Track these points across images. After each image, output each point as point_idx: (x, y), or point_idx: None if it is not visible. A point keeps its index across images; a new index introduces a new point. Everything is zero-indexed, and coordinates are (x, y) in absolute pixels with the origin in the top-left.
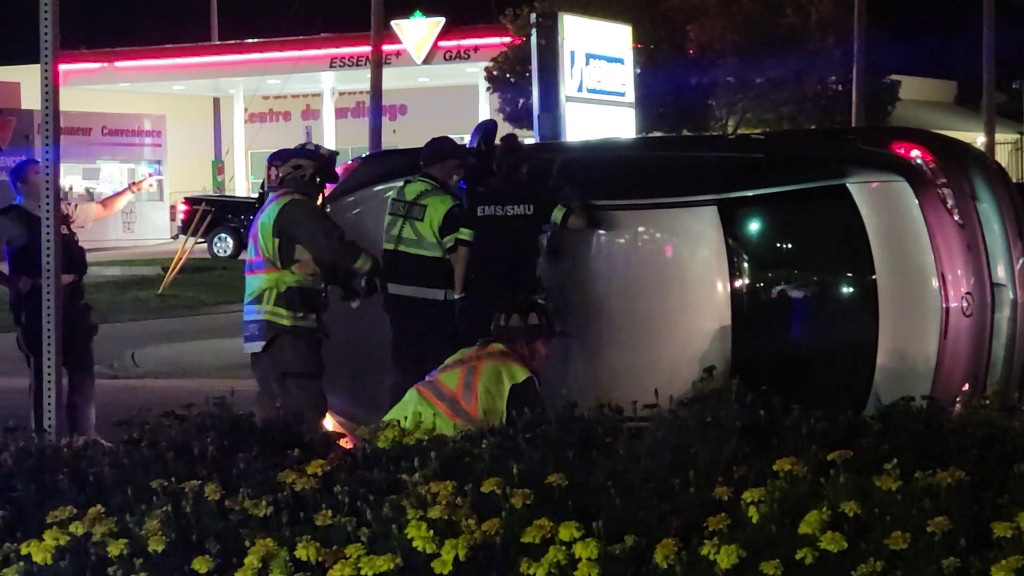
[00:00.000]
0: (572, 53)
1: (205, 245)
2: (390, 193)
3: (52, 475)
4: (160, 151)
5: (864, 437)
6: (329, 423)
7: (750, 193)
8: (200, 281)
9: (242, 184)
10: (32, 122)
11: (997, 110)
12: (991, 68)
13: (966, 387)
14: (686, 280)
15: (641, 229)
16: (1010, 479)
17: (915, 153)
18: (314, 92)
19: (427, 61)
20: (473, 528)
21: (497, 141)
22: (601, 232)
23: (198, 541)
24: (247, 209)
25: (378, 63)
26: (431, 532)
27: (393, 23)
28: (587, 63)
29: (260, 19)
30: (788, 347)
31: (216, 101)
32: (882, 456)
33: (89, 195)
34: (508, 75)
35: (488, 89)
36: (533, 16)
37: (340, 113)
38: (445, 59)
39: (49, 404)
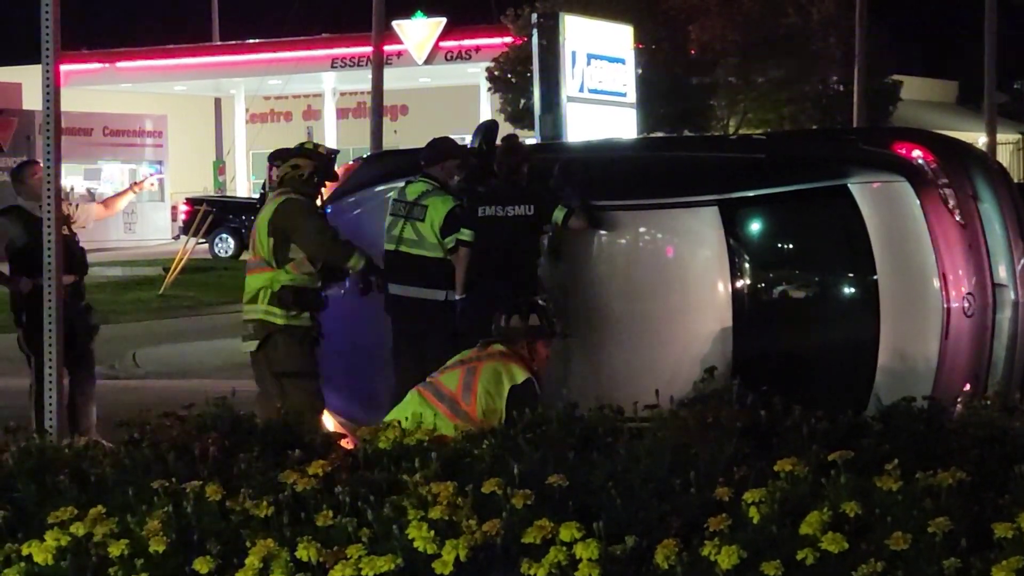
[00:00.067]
0: (573, 53)
1: (206, 245)
2: (391, 194)
3: (53, 475)
4: (161, 151)
5: (865, 437)
6: (330, 423)
7: (751, 193)
8: (201, 281)
9: (243, 184)
10: (33, 123)
11: (998, 110)
12: (992, 68)
13: (967, 387)
14: (687, 280)
15: (642, 229)
16: (1011, 479)
17: (916, 153)
18: (315, 92)
19: (428, 61)
20: (474, 528)
21: (498, 141)
22: (602, 232)
23: (199, 541)
24: (248, 209)
25: (379, 63)
26: (432, 532)
27: (394, 23)
28: (588, 63)
29: (261, 19)
30: (789, 347)
31: (217, 101)
32: (883, 456)
33: (90, 195)
34: (509, 75)
35: (489, 89)
36: (534, 16)
37: (341, 113)
38: (446, 59)
39: (50, 404)
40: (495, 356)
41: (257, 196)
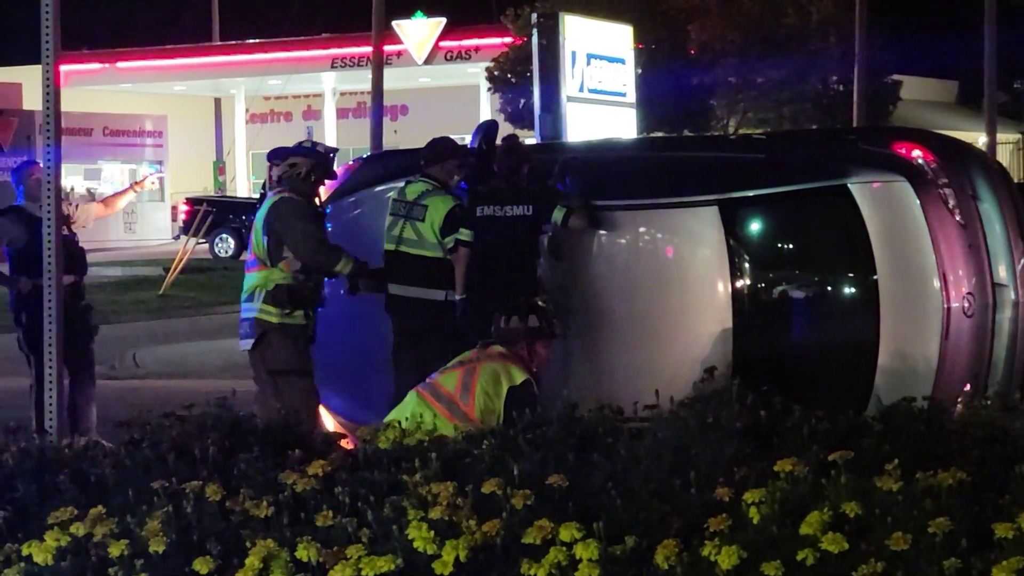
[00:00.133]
0: (573, 53)
1: (206, 245)
2: (391, 193)
3: (53, 476)
4: (161, 151)
5: (865, 438)
6: (330, 423)
7: (751, 193)
8: (201, 282)
9: (243, 184)
10: (34, 123)
11: (999, 110)
12: (992, 68)
13: (967, 387)
14: (687, 280)
15: (642, 229)
16: (1011, 480)
17: (916, 153)
18: (315, 92)
19: (428, 61)
20: (474, 529)
21: (498, 141)
22: (602, 232)
23: (199, 542)
24: (248, 209)
25: (379, 63)
26: (432, 533)
27: (394, 23)
28: (588, 63)
29: (261, 19)
30: (789, 348)
31: (217, 101)
32: (883, 457)
33: (90, 195)
34: (509, 75)
35: (489, 89)
36: (534, 16)
37: (341, 113)
38: (446, 59)
39: (50, 405)
40: (494, 357)
41: (257, 196)
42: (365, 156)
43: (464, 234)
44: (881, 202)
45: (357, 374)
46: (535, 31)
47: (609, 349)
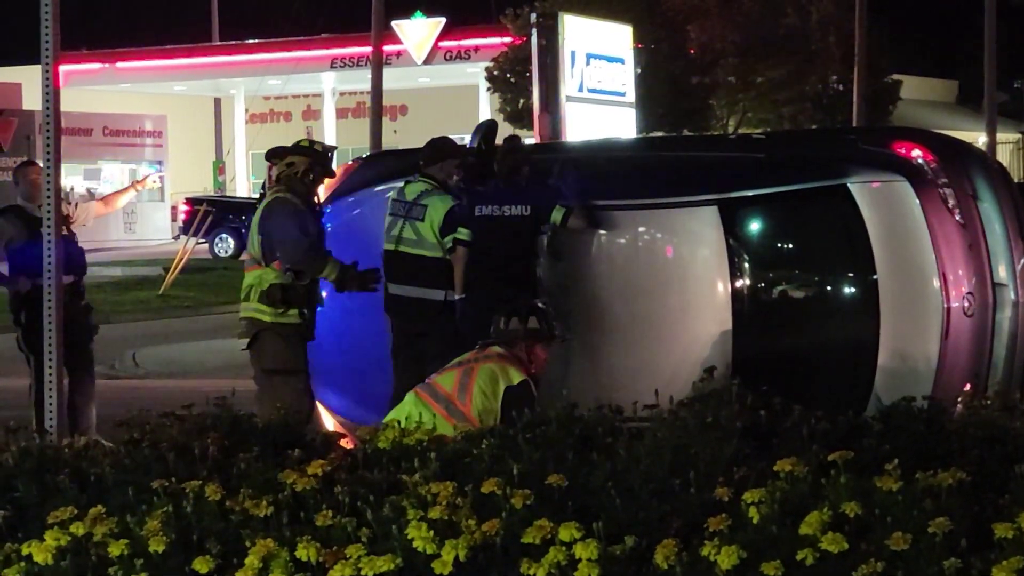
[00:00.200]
0: (572, 53)
1: (206, 245)
2: (390, 193)
3: (53, 475)
4: (161, 151)
5: (865, 438)
6: (330, 423)
7: (751, 193)
8: (201, 281)
9: (243, 184)
10: (33, 123)
11: (999, 110)
12: (992, 67)
13: (967, 387)
14: (687, 280)
15: (641, 229)
16: (1011, 479)
17: (916, 153)
18: (315, 92)
19: (428, 61)
20: (473, 528)
21: (498, 142)
22: (601, 232)
23: (199, 541)
24: (248, 209)
25: (379, 63)
26: (431, 532)
27: (394, 23)
28: (587, 63)
29: (261, 19)
30: (789, 347)
31: (217, 101)
32: (883, 457)
33: (90, 195)
34: (508, 75)
35: (488, 89)
36: (533, 16)
37: (341, 113)
38: (445, 59)
39: (50, 404)
40: (492, 358)
41: (257, 196)
42: (364, 156)
43: (463, 233)
44: (881, 202)
45: (357, 374)
46: (534, 31)
47: (609, 349)
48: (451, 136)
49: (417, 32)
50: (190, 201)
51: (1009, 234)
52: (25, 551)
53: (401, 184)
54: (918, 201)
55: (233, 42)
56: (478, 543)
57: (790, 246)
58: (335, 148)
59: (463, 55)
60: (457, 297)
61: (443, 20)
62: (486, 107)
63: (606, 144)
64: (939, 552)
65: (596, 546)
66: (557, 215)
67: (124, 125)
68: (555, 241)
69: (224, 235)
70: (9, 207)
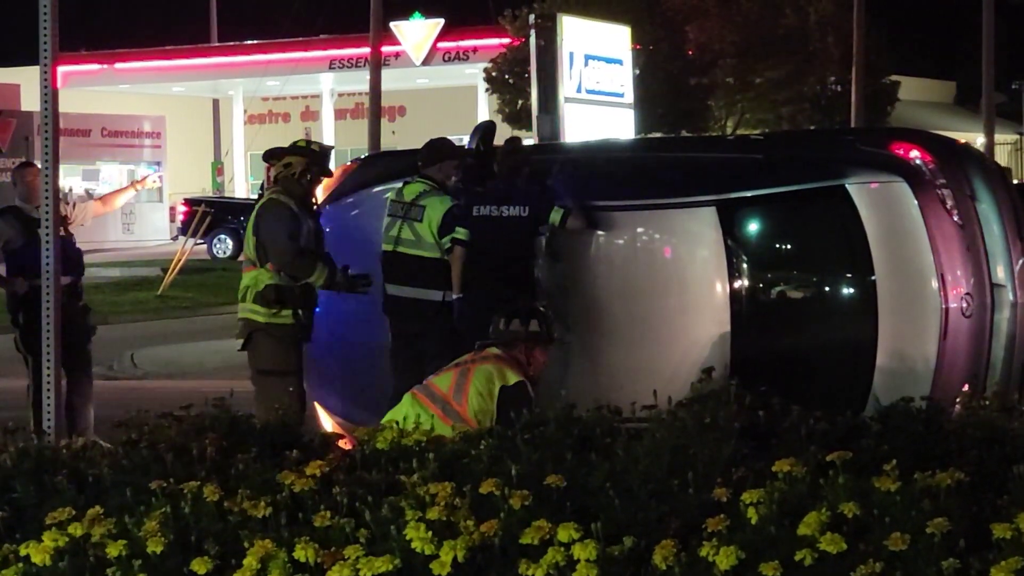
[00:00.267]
0: (571, 54)
1: (204, 246)
2: (389, 194)
3: (51, 476)
4: (159, 152)
5: (863, 438)
6: (328, 424)
7: (749, 194)
8: (199, 282)
9: (241, 185)
10: (32, 124)
11: (996, 111)
12: (990, 69)
13: (965, 388)
14: (685, 281)
15: (640, 230)
16: (1010, 480)
17: (914, 154)
18: (313, 93)
19: (426, 62)
20: (472, 529)
21: (497, 143)
22: (600, 233)
23: (197, 542)
24: (246, 210)
25: (377, 64)
26: (430, 533)
27: (392, 24)
28: (586, 64)
29: (259, 20)
30: (787, 348)
31: (215, 102)
32: (881, 457)
33: (88, 196)
34: (507, 76)
35: (487, 90)
36: (532, 17)
37: (339, 114)
38: (444, 60)
39: (48, 405)
40: (489, 359)
41: (255, 197)
42: (363, 157)
43: (461, 233)
44: (879, 203)
45: (355, 374)
46: (533, 32)
47: (607, 350)
48: (449, 137)
49: (415, 33)
50: (188, 202)
51: (1007, 235)
52: (23, 552)
53: (399, 185)
54: (916, 202)
55: (232, 43)
56: (476, 544)
57: (788, 247)
58: (332, 147)
59: (462, 56)
60: (455, 296)
61: (441, 21)
62: (484, 108)
63: (605, 145)
64: (937, 552)
65: (595, 547)
66: (556, 216)
67: (122, 126)
68: (554, 242)
69: (222, 236)
70: (7, 208)
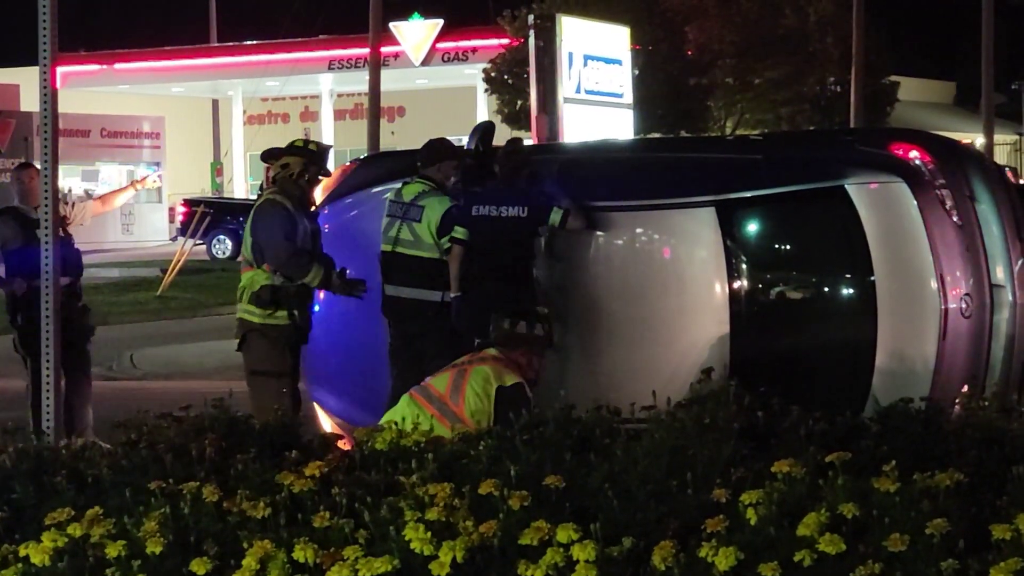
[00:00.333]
0: (570, 54)
1: (204, 247)
2: (388, 195)
3: (50, 477)
4: (159, 153)
5: (863, 439)
6: (327, 424)
7: (748, 194)
8: (199, 283)
9: (241, 186)
10: (31, 124)
11: (996, 111)
12: (990, 69)
13: (965, 388)
14: (684, 282)
15: (639, 231)
16: (1009, 481)
17: (913, 154)
18: (312, 94)
19: (425, 63)
20: (471, 530)
21: (495, 143)
22: (599, 234)
23: (196, 543)
24: (245, 211)
25: (376, 65)
26: (429, 534)
27: (391, 25)
28: (585, 64)
29: (259, 21)
30: (786, 349)
31: (215, 103)
32: (881, 458)
33: (87, 197)
34: (506, 77)
35: (486, 91)
36: (531, 18)
37: (338, 115)
38: (443, 61)
39: (47, 406)
40: (487, 360)
41: (255, 197)
42: (362, 157)
43: (459, 232)
44: (878, 203)
45: (354, 375)
46: (532, 32)
47: (606, 350)
48: (449, 137)
49: (415, 33)
50: (188, 202)
51: (1007, 235)
52: (22, 552)
53: (399, 185)
54: (915, 202)
55: (231, 43)
56: (475, 544)
57: (788, 247)
58: (330, 146)
59: (461, 56)
60: (452, 295)
61: (441, 21)
62: (484, 108)
63: (604, 145)
64: (937, 553)
65: (594, 547)
66: (556, 216)
67: (122, 126)
68: (553, 242)
69: (222, 236)
70: (6, 209)
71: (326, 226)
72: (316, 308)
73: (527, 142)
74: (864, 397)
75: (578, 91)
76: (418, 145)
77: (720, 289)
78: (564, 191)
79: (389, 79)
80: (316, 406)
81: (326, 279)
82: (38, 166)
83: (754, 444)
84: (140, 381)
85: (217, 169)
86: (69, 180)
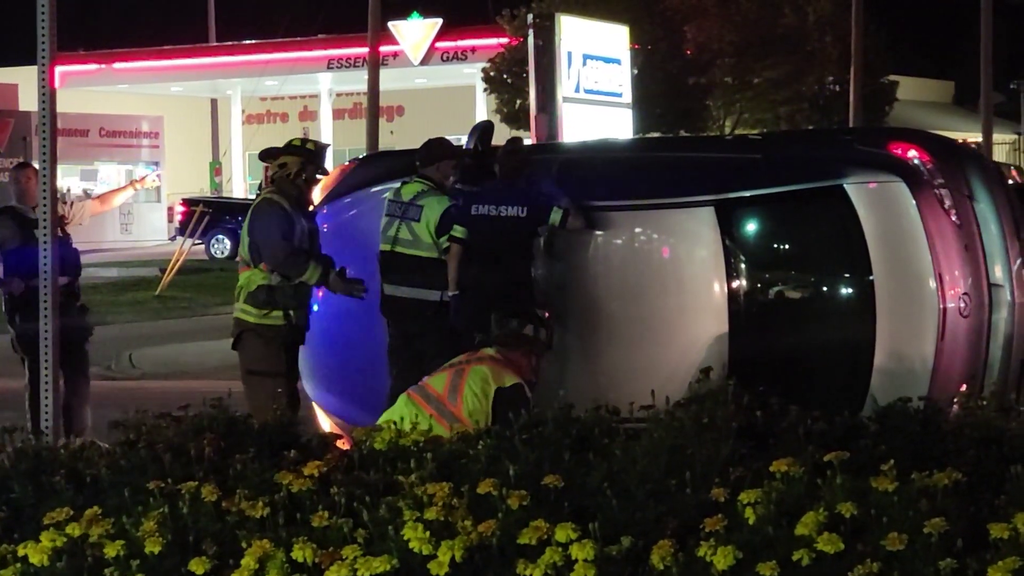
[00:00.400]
0: (569, 54)
1: (202, 246)
2: (386, 194)
3: (49, 476)
4: (158, 152)
5: (861, 438)
6: (326, 424)
7: (747, 194)
8: (197, 282)
9: (239, 185)
10: (30, 124)
11: (995, 110)
12: (989, 68)
13: (963, 388)
14: (683, 281)
15: (638, 230)
16: (1007, 480)
17: (912, 153)
18: (311, 93)
19: (424, 62)
20: (469, 529)
21: (495, 142)
22: (598, 233)
23: (195, 542)
24: (244, 211)
25: (375, 64)
26: (427, 533)
27: (390, 24)
28: (584, 64)
29: (258, 20)
30: (785, 348)
31: (214, 102)
32: (879, 457)
33: (86, 196)
34: (505, 76)
35: (485, 90)
36: (530, 17)
37: (337, 114)
38: (442, 60)
39: (46, 406)
40: (484, 360)
41: (254, 197)
42: (361, 157)
43: (458, 231)
44: (877, 202)
45: (353, 375)
46: (531, 32)
47: (605, 350)
48: (447, 137)
49: (414, 33)
50: (186, 202)
51: (1005, 234)
52: (21, 552)
53: (397, 185)
54: (914, 202)
55: (230, 43)
56: (474, 544)
57: (786, 247)
58: (327, 145)
59: (460, 56)
60: (450, 294)
61: (440, 21)
62: (483, 108)
63: (603, 145)
64: (935, 552)
65: (592, 547)
66: (555, 216)
67: (121, 126)
68: (553, 242)
69: (220, 236)
70: (3, 208)
71: (325, 226)
72: (315, 308)
73: (526, 141)
74: (862, 396)
75: (577, 90)
76: (417, 144)
77: (719, 288)
78: (564, 190)
79: (388, 78)
80: (315, 406)
81: (323, 277)
82: (37, 166)
83: (753, 443)
84: (139, 381)
85: (216, 169)
86: (68, 180)
